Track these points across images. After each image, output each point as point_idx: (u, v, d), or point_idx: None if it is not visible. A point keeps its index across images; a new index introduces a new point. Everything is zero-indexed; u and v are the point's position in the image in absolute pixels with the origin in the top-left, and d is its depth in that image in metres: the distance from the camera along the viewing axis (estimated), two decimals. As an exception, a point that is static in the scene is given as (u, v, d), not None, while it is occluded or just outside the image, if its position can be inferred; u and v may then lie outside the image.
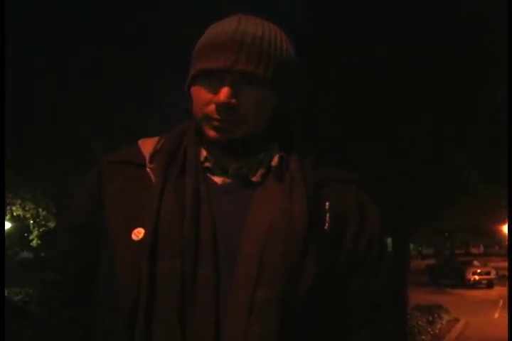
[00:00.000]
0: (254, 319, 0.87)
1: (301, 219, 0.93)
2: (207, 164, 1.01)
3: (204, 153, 1.02)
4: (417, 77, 7.06)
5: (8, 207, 13.87)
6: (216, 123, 0.96)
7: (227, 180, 1.00)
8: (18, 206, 13.82)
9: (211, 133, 0.97)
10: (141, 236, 0.92)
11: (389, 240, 9.12)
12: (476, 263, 23.74)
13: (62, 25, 10.85)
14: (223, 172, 1.00)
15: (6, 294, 9.76)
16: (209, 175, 1.00)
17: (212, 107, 0.95)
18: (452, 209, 8.95)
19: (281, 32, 1.01)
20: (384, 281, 1.03)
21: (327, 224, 0.97)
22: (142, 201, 0.96)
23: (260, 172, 1.00)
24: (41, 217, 14.12)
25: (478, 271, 22.29)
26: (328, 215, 0.98)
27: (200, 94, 0.97)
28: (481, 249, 48.55)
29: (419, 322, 9.64)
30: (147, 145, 1.04)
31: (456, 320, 11.91)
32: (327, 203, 0.99)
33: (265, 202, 0.96)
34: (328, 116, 7.87)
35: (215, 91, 0.94)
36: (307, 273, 0.91)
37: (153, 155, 1.01)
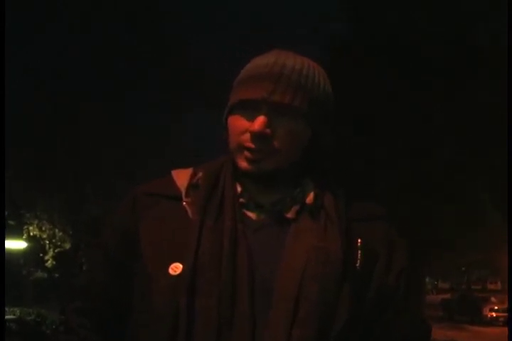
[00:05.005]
0: None
1: (337, 257, 0.94)
2: (241, 200, 1.01)
3: (239, 188, 1.02)
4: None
5: (25, 227, 13.93)
6: (248, 154, 0.96)
7: (261, 216, 1.00)
8: (34, 226, 13.86)
9: (243, 164, 0.97)
10: (178, 271, 0.92)
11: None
12: (493, 299, 23.10)
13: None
14: (257, 207, 1.00)
15: (18, 314, 9.76)
16: (244, 210, 1.00)
17: (246, 136, 0.96)
18: (468, 243, 8.84)
19: (319, 67, 1.03)
20: (413, 316, 1.04)
21: (359, 262, 0.98)
22: (178, 235, 0.96)
23: (294, 209, 1.00)
24: (57, 238, 14.13)
25: (496, 307, 21.66)
26: (359, 252, 0.98)
27: (236, 123, 0.98)
28: (499, 285, 47.38)
29: (434, 358, 9.41)
30: (182, 178, 1.04)
31: (472, 358, 11.60)
32: (359, 240, 0.99)
33: (300, 239, 0.96)
34: (352, 150, 7.93)
35: (251, 120, 0.96)
36: (342, 312, 0.92)
37: (188, 189, 1.01)
